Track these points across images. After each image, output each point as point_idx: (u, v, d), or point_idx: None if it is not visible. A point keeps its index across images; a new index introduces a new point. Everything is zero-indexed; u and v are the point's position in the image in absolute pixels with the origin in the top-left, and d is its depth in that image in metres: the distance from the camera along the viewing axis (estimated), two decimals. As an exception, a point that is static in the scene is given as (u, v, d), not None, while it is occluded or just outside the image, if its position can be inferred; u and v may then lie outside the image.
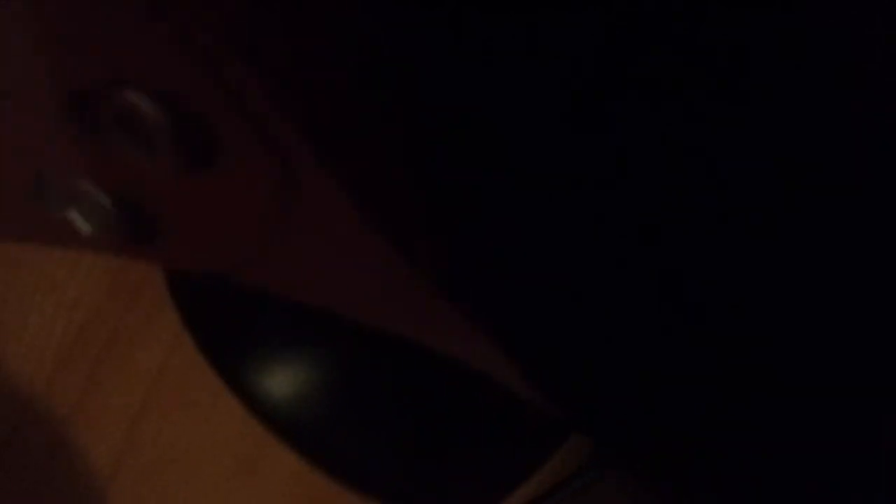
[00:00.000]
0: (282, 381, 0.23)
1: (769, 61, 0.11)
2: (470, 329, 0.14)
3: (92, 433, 0.29)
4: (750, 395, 0.13)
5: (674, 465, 0.14)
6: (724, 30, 0.11)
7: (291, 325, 0.23)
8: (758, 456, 0.14)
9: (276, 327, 0.23)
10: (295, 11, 0.11)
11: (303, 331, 0.23)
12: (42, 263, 0.30)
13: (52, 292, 0.30)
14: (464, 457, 0.23)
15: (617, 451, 0.14)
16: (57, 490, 0.29)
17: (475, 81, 0.12)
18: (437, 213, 0.13)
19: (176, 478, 0.29)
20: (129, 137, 0.13)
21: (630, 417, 0.13)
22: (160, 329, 0.30)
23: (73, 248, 0.16)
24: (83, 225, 0.15)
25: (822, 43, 0.11)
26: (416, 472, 0.23)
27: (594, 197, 0.13)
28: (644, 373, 0.13)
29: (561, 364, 0.13)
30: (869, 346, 0.13)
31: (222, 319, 0.23)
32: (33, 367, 0.29)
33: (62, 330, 0.30)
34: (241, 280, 0.15)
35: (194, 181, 0.13)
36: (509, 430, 0.23)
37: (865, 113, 0.12)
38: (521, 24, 0.12)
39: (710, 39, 0.11)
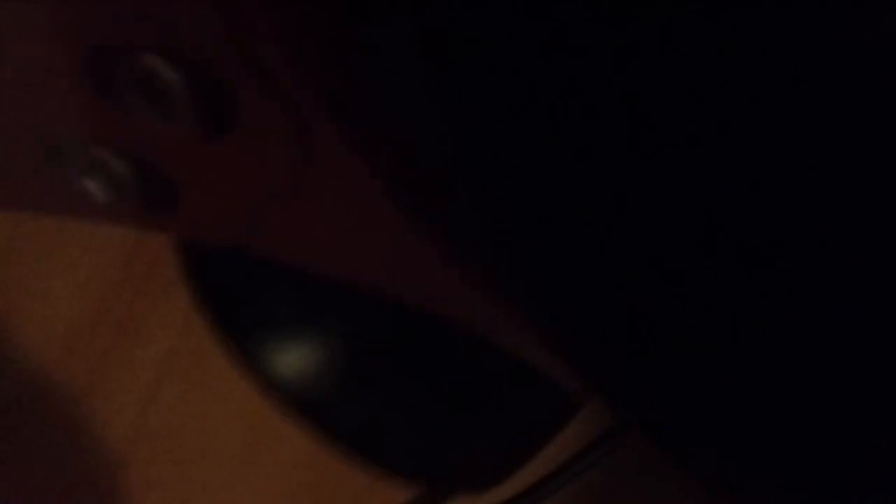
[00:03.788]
0: (293, 357, 0.23)
1: (772, 63, 0.11)
2: (489, 298, 0.14)
3: (103, 413, 0.30)
4: (771, 380, 0.14)
5: (696, 438, 0.14)
6: (726, 30, 0.11)
7: (303, 303, 0.23)
8: (780, 432, 0.14)
9: (287, 304, 0.23)
10: None
11: (314, 308, 0.23)
12: (55, 244, 0.30)
13: (66, 273, 0.30)
14: (476, 432, 0.23)
15: (639, 422, 0.14)
16: (69, 470, 0.29)
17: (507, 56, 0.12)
18: (457, 180, 0.13)
19: (187, 458, 0.29)
20: (147, 102, 0.13)
21: (653, 385, 0.14)
22: (172, 310, 0.30)
23: (90, 219, 0.16)
24: (100, 193, 0.15)
25: (826, 44, 0.11)
26: (428, 448, 0.23)
27: (615, 162, 0.13)
28: (667, 342, 0.13)
29: (587, 330, 0.13)
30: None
31: (234, 297, 0.23)
32: (46, 347, 0.30)
33: (75, 310, 0.30)
34: (256, 250, 0.15)
35: (212, 147, 0.13)
36: (521, 407, 0.23)
37: (869, 115, 0.12)
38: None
39: (713, 39, 0.11)
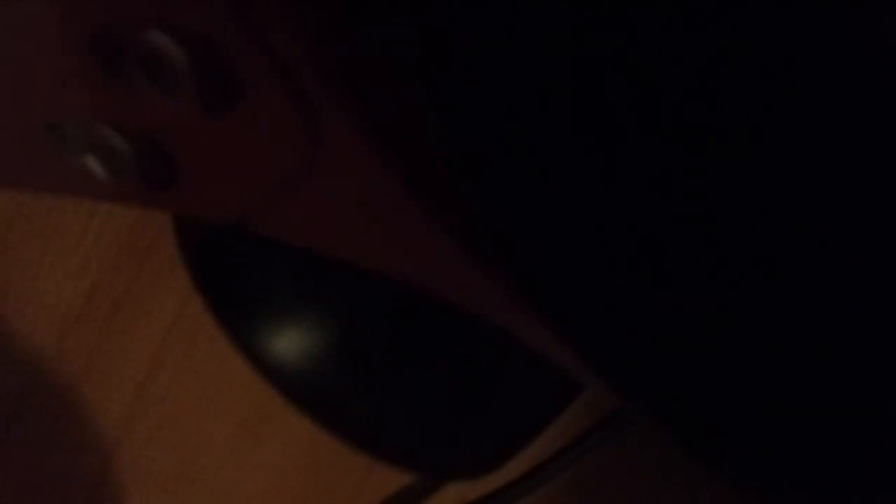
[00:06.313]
0: (292, 341, 0.23)
1: (772, 63, 0.12)
2: (492, 281, 0.14)
3: (100, 397, 0.30)
4: (778, 364, 0.14)
5: (704, 423, 0.14)
6: (726, 30, 0.11)
7: (302, 286, 0.23)
8: (785, 418, 0.14)
9: (286, 288, 0.23)
10: None
11: (314, 291, 0.23)
12: (51, 229, 0.30)
13: (62, 257, 0.30)
14: (472, 419, 0.23)
15: (645, 408, 0.14)
16: (65, 452, 0.30)
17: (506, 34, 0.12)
18: (461, 160, 0.13)
19: (183, 441, 0.30)
20: (151, 79, 0.13)
21: (659, 372, 0.14)
22: (168, 294, 0.30)
23: (90, 198, 0.16)
24: (101, 171, 0.15)
25: (826, 44, 0.11)
26: (423, 435, 0.23)
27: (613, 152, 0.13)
28: (672, 329, 0.13)
29: (590, 315, 0.13)
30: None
31: (232, 281, 0.23)
32: (42, 332, 0.30)
33: (71, 294, 0.30)
34: (257, 229, 0.15)
35: (215, 124, 0.13)
36: (516, 395, 0.23)
37: (869, 115, 0.12)
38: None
39: (713, 39, 0.12)
